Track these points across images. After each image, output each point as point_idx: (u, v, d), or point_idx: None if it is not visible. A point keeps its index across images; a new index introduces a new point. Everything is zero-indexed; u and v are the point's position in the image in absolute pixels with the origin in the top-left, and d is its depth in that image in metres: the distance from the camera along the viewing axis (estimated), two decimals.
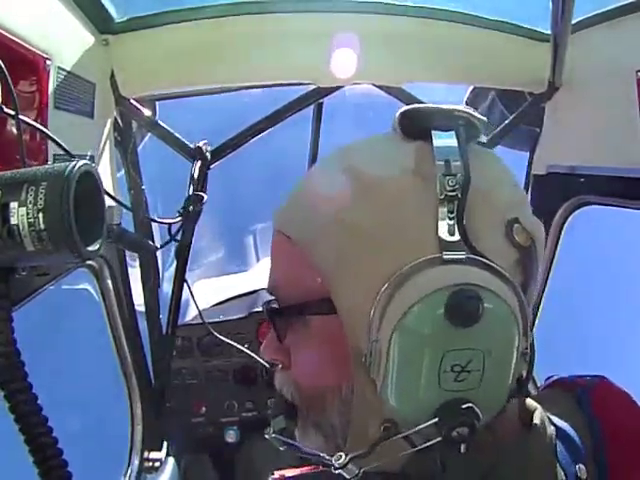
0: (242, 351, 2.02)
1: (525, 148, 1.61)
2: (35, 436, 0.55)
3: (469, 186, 0.45)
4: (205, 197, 1.37)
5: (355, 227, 0.47)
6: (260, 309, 2.17)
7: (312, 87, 1.43)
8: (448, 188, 0.45)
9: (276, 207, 0.55)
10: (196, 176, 1.37)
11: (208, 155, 1.40)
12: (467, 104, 1.78)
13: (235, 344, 1.81)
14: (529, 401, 0.57)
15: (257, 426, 2.07)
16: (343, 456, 0.48)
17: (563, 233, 1.55)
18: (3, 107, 0.69)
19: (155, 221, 1.27)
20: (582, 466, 0.52)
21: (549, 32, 1.22)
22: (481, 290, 0.42)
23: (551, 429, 0.54)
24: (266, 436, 0.57)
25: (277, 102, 1.47)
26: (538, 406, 0.56)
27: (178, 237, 1.35)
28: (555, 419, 0.56)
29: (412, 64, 1.39)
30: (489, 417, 0.45)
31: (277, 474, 0.56)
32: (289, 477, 0.55)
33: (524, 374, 0.49)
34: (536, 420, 0.53)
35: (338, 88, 1.44)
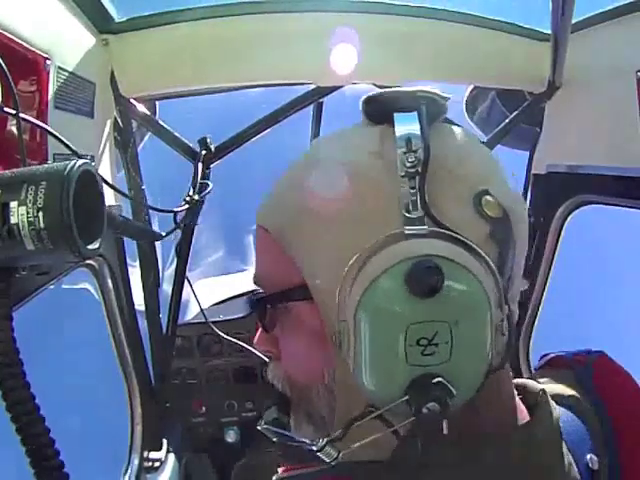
0: (242, 350, 2.02)
1: (525, 148, 1.61)
2: (30, 436, 0.55)
3: (429, 161, 0.45)
4: (210, 185, 1.37)
5: (319, 213, 0.48)
6: None
7: (312, 87, 1.43)
8: (408, 165, 0.46)
9: None
10: (200, 169, 1.37)
11: (212, 148, 1.41)
12: (467, 104, 1.78)
13: (242, 343, 1.81)
14: (532, 383, 0.56)
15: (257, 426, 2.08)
16: (322, 440, 0.49)
17: (563, 232, 1.55)
18: (2, 106, 0.69)
19: (160, 210, 1.27)
20: (594, 457, 0.52)
21: (549, 32, 1.22)
22: (441, 260, 0.41)
23: (556, 414, 0.52)
24: (258, 427, 0.57)
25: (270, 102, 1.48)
26: (541, 387, 0.55)
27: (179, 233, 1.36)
28: (558, 405, 0.55)
29: (412, 64, 1.39)
30: (467, 394, 0.44)
31: (281, 471, 0.56)
32: (292, 474, 0.55)
33: (504, 350, 0.47)
34: (540, 404, 0.53)
35: (338, 88, 1.44)
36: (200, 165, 1.38)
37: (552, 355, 0.66)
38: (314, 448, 0.49)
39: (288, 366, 0.56)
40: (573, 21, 1.16)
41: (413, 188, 0.45)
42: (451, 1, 1.37)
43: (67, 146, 0.78)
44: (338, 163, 0.50)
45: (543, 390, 0.55)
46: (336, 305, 0.46)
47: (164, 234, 1.34)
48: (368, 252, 0.44)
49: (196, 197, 1.31)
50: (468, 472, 0.48)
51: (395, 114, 0.49)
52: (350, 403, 0.49)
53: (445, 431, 0.45)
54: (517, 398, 0.53)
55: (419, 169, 0.45)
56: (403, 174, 0.46)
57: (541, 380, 0.59)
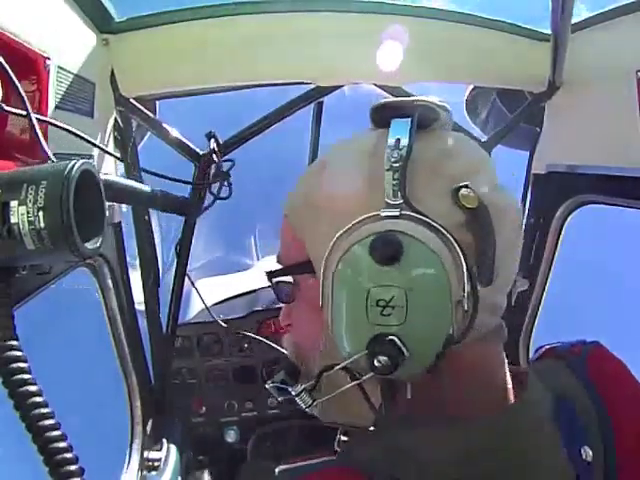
0: (242, 350, 2.02)
1: (525, 147, 1.61)
2: (42, 430, 0.55)
3: (409, 156, 0.53)
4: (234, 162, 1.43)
5: (315, 203, 0.59)
6: (260, 308, 2.17)
7: (312, 86, 1.43)
8: (392, 160, 0.53)
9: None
10: (196, 174, 1.38)
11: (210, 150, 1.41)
12: (467, 104, 1.78)
13: (263, 339, 1.83)
14: (521, 370, 0.60)
15: (257, 426, 2.08)
16: (299, 387, 0.62)
17: (563, 232, 1.55)
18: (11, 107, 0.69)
19: (188, 182, 1.32)
20: (587, 448, 0.55)
21: (549, 32, 1.22)
22: (402, 235, 0.50)
23: (547, 403, 0.56)
24: (266, 386, 0.66)
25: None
26: (531, 376, 0.59)
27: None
28: (553, 395, 0.58)
29: (412, 64, 1.39)
30: (423, 357, 0.50)
31: (283, 466, 0.59)
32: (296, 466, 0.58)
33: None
34: (528, 390, 0.57)
35: (338, 87, 1.44)
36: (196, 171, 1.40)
37: (548, 346, 0.68)
38: (293, 393, 0.61)
39: (295, 335, 0.66)
40: (573, 21, 1.16)
41: (395, 180, 0.53)
42: (451, 1, 1.37)
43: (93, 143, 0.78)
44: (336, 161, 0.61)
45: (532, 375, 0.59)
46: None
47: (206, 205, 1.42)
48: (349, 231, 0.53)
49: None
50: (451, 450, 0.52)
51: (393, 120, 0.56)
52: (332, 361, 0.57)
53: (408, 395, 0.53)
54: (509, 383, 0.58)
55: (402, 164, 0.53)
56: (388, 168, 0.53)
57: (536, 371, 0.61)
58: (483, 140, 1.57)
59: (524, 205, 1.61)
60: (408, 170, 0.53)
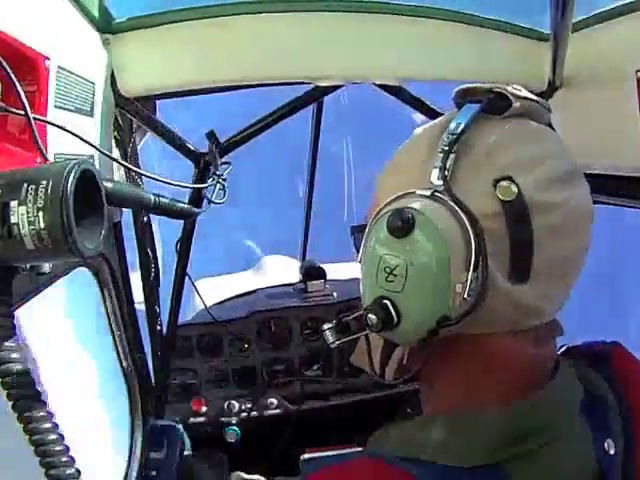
0: (242, 350, 2.02)
1: None
2: (39, 432, 0.55)
3: (457, 141, 0.56)
4: (231, 164, 1.39)
5: (383, 173, 0.66)
6: (260, 309, 2.18)
7: (312, 86, 1.43)
8: (444, 143, 0.57)
9: None
10: (196, 174, 1.37)
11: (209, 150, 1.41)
12: None
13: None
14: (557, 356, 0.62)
15: (257, 426, 2.08)
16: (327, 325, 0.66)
17: None
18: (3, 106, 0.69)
19: (184, 186, 1.26)
20: (610, 441, 0.57)
21: (549, 32, 1.22)
22: (417, 213, 0.53)
23: (578, 393, 0.58)
24: (323, 330, 0.68)
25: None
26: (565, 362, 0.61)
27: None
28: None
29: (412, 64, 1.39)
30: (414, 327, 0.55)
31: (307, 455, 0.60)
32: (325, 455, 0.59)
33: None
34: (560, 371, 0.58)
35: (338, 87, 1.44)
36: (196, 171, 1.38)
37: (569, 346, 0.69)
38: (329, 325, 0.65)
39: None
40: (573, 21, 1.16)
41: (442, 162, 0.56)
42: (451, 1, 1.37)
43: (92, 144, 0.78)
44: (413, 139, 0.65)
45: (564, 364, 0.60)
46: None
47: (201, 210, 1.35)
48: (389, 202, 0.58)
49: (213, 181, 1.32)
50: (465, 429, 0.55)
51: (466, 105, 0.59)
52: (359, 310, 0.61)
53: (405, 361, 0.60)
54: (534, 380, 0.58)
55: (448, 148, 0.56)
56: (440, 150, 0.56)
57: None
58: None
59: None
60: (461, 155, 0.56)
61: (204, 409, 2.04)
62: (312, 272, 2.33)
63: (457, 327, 0.54)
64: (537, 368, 0.58)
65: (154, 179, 1.08)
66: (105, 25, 1.17)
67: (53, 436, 0.56)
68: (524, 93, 0.60)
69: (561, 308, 0.59)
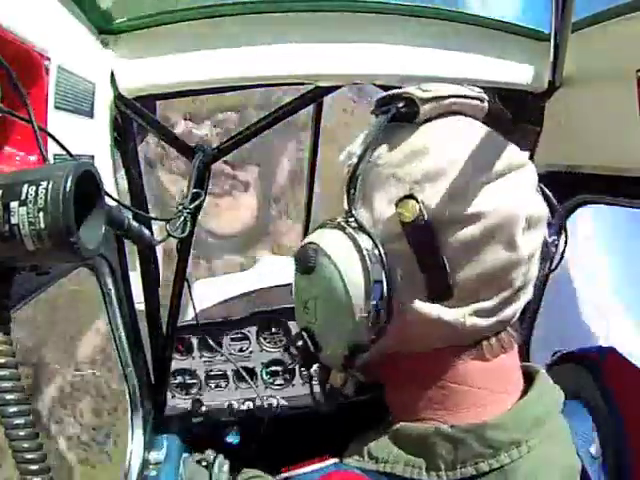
0: (242, 350, 2.02)
1: (525, 147, 1.60)
2: (19, 438, 0.55)
3: (359, 163, 0.54)
4: (203, 195, 1.35)
5: None
6: (260, 309, 2.18)
7: (312, 86, 1.43)
8: (348, 163, 0.56)
9: None
10: (195, 175, 1.37)
11: (209, 150, 1.40)
12: None
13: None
14: (528, 368, 0.61)
15: (257, 426, 2.08)
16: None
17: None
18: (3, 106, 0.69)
19: (153, 218, 1.26)
20: (595, 446, 0.56)
21: (549, 32, 1.22)
22: (317, 248, 0.53)
23: (554, 400, 0.56)
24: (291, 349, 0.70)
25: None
26: (541, 372, 0.59)
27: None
28: (569, 399, 0.58)
29: (412, 64, 1.39)
30: (333, 353, 0.56)
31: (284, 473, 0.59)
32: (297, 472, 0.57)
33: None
34: (535, 387, 0.56)
35: (338, 87, 1.43)
36: (196, 172, 1.36)
37: (564, 352, 0.68)
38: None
39: None
40: (573, 21, 1.16)
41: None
42: (451, 1, 1.37)
43: (64, 148, 0.78)
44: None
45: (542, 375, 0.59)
46: None
47: (158, 240, 1.31)
48: (307, 236, 0.58)
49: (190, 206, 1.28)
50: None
51: (377, 114, 0.57)
52: None
53: (336, 384, 0.60)
54: (499, 392, 0.56)
55: (352, 170, 0.55)
56: (347, 173, 0.56)
57: (553, 374, 0.61)
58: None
59: None
60: (371, 174, 0.55)
61: (204, 409, 2.04)
62: None
63: (389, 347, 0.54)
64: (490, 381, 0.55)
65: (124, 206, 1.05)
66: (105, 25, 1.17)
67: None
68: (435, 92, 0.55)
69: (509, 321, 0.56)
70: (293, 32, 1.30)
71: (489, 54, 1.40)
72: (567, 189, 1.45)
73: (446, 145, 0.55)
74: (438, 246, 0.51)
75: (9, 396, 0.55)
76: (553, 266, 1.64)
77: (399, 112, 0.55)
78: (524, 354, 1.75)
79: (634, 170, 1.16)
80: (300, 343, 0.56)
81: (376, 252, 0.51)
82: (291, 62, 1.33)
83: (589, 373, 0.62)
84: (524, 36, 1.38)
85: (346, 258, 0.52)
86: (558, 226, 1.55)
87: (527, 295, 0.57)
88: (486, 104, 0.62)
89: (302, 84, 1.42)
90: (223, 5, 1.27)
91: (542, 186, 0.61)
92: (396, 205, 0.51)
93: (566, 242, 1.54)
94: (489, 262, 0.52)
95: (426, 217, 0.50)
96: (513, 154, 0.58)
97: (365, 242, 0.52)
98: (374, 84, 1.44)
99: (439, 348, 0.54)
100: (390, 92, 0.58)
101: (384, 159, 0.55)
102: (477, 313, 0.53)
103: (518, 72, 1.41)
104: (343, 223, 0.54)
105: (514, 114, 1.54)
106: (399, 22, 1.33)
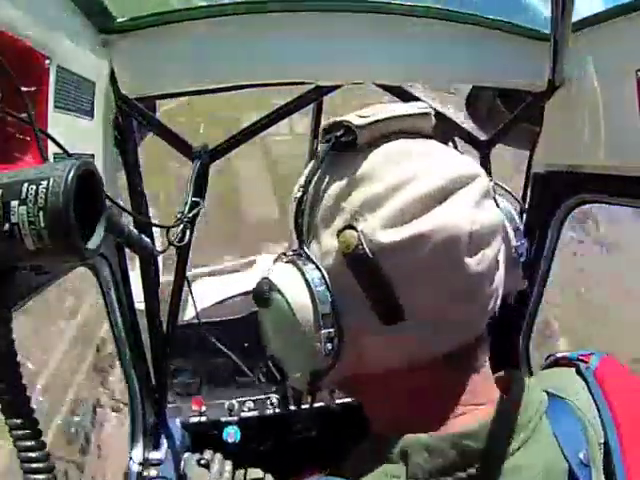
0: (242, 350, 2.02)
1: (525, 147, 1.61)
2: (23, 438, 0.55)
3: (304, 195, 0.57)
4: (202, 203, 1.35)
5: None
6: None
7: (312, 86, 1.43)
8: (296, 194, 0.58)
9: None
10: (194, 179, 1.37)
11: (207, 158, 1.40)
12: (467, 103, 1.78)
13: None
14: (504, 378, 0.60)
15: (257, 426, 2.08)
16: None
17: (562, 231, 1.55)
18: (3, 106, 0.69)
19: (154, 225, 1.26)
20: (585, 453, 0.55)
21: (549, 32, 1.22)
22: (270, 283, 0.55)
23: (537, 403, 0.56)
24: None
25: None
26: (517, 380, 0.59)
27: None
28: (560, 401, 0.58)
29: (412, 64, 1.39)
30: (299, 378, 0.57)
31: None
32: None
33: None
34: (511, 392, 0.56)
35: (338, 87, 1.44)
36: (197, 169, 1.36)
37: (558, 355, 0.68)
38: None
39: None
40: (573, 21, 1.16)
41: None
42: (451, 1, 1.37)
43: (64, 149, 0.78)
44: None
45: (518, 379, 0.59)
46: None
47: (159, 250, 1.30)
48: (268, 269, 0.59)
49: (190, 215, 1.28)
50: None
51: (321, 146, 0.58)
52: None
53: (306, 401, 0.69)
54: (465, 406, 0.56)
55: (298, 201, 0.57)
56: (294, 204, 0.58)
57: (544, 376, 0.61)
58: (483, 140, 1.57)
59: (524, 205, 1.61)
60: (317, 205, 0.56)
61: (204, 409, 2.04)
62: None
63: (350, 370, 0.56)
64: (460, 393, 0.55)
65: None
66: (105, 25, 1.17)
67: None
68: (373, 117, 0.55)
69: (474, 333, 0.56)
70: (293, 32, 1.30)
71: (489, 54, 1.40)
72: (567, 189, 1.45)
73: (383, 170, 0.54)
74: (382, 273, 0.51)
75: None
76: (548, 266, 1.64)
77: (338, 141, 0.56)
78: (524, 355, 1.75)
79: (634, 170, 1.16)
80: (265, 371, 0.60)
81: (324, 283, 0.53)
82: (291, 62, 1.33)
83: (581, 377, 0.62)
84: (524, 36, 1.38)
85: (295, 292, 0.54)
86: (558, 226, 1.56)
87: (492, 304, 0.56)
88: (432, 118, 0.59)
89: (302, 84, 1.42)
90: (223, 5, 1.27)
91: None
92: (337, 236, 0.53)
93: (557, 240, 1.55)
94: (439, 282, 0.52)
95: (365, 246, 0.51)
96: (459, 168, 0.54)
97: (313, 274, 0.54)
98: (374, 84, 1.44)
99: (401, 368, 0.55)
100: (331, 120, 0.58)
101: (328, 190, 0.56)
102: (435, 330, 0.53)
103: (518, 72, 1.41)
104: (294, 257, 0.56)
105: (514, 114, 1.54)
106: (399, 22, 1.33)
